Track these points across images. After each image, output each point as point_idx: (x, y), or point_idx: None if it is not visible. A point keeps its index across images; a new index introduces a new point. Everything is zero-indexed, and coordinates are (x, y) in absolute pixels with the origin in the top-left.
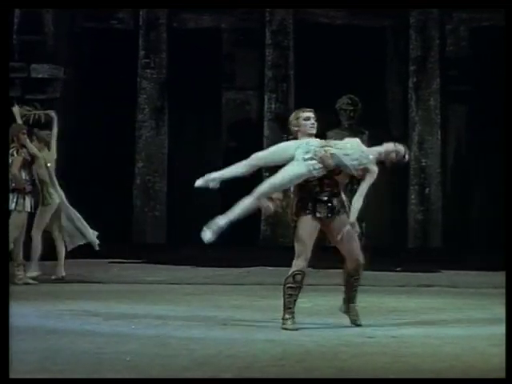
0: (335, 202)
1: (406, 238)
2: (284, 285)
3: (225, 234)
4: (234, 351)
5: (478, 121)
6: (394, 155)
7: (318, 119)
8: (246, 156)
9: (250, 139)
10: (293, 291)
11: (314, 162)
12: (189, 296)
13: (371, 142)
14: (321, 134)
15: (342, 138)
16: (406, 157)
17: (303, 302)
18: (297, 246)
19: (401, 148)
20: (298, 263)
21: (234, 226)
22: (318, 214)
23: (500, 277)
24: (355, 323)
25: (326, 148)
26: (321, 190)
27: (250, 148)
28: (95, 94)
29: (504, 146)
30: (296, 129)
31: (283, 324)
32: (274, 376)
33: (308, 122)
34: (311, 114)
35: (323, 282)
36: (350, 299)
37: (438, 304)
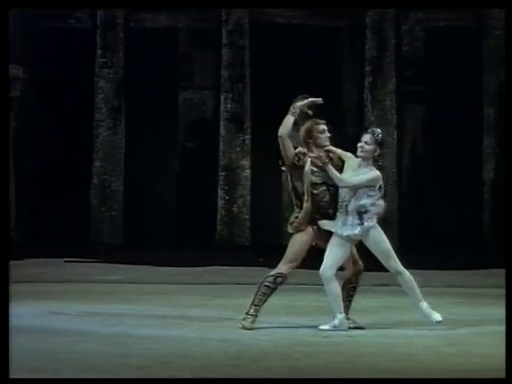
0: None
1: None
2: (262, 282)
3: (181, 234)
4: (190, 350)
5: (433, 121)
6: None
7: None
8: (202, 155)
9: (206, 139)
10: (268, 291)
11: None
12: (145, 295)
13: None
14: (276, 134)
15: (297, 138)
16: None
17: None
18: (291, 252)
19: None
20: (285, 268)
21: (190, 225)
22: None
23: (454, 276)
24: (356, 326)
25: None
26: (329, 205)
27: (206, 148)
28: (54, 93)
29: (504, 146)
30: (310, 141)
31: (243, 320)
32: (229, 376)
33: (323, 136)
34: (325, 127)
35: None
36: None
37: (394, 303)
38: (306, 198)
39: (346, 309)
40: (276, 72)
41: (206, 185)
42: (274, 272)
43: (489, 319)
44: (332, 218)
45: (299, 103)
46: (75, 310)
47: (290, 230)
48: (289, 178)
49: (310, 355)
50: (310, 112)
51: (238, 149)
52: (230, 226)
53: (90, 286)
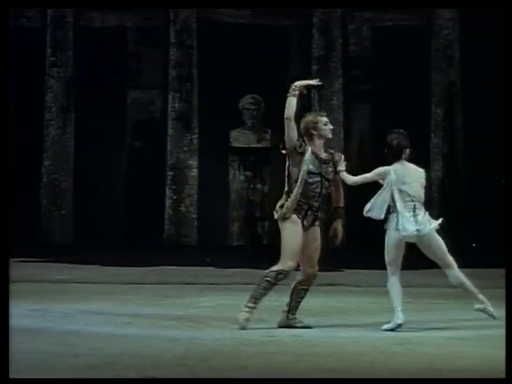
0: (319, 213)
1: None
2: (264, 276)
3: (130, 233)
4: (139, 350)
5: (380, 120)
6: None
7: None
8: (150, 155)
9: (154, 138)
10: (268, 286)
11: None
12: (95, 295)
13: (274, 142)
14: (224, 133)
15: (245, 138)
16: None
17: (204, 302)
18: (288, 247)
19: None
20: (289, 264)
21: (138, 225)
22: (305, 223)
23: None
24: (304, 325)
25: None
26: (318, 197)
27: (153, 147)
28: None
29: (504, 146)
30: (315, 132)
31: (241, 312)
32: (178, 375)
33: (327, 127)
34: (327, 119)
35: (226, 281)
36: (290, 309)
37: (341, 303)
38: (298, 184)
39: (294, 310)
40: (224, 71)
41: (153, 184)
42: (276, 268)
43: (437, 319)
44: (316, 210)
45: (298, 83)
46: (25, 310)
47: (276, 216)
48: (287, 164)
49: (256, 354)
50: (305, 92)
51: (185, 148)
52: (177, 226)
53: (40, 285)
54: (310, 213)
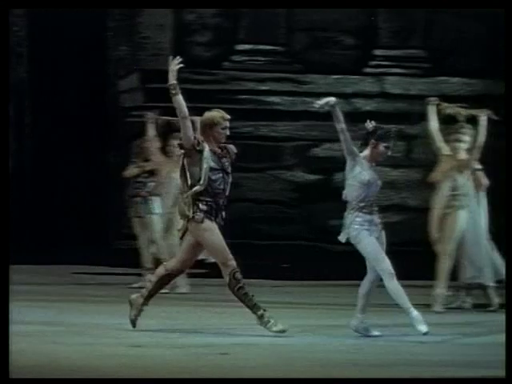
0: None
1: None
2: (233, 291)
3: None
4: None
5: None
6: None
7: None
8: None
9: None
10: (245, 289)
11: None
12: None
13: None
14: None
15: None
16: None
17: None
18: (218, 252)
19: None
20: (230, 263)
21: None
22: (219, 221)
23: None
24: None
25: None
26: (223, 193)
27: None
28: None
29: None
30: (210, 132)
31: (268, 324)
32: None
33: (223, 132)
34: (228, 124)
35: None
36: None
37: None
38: (201, 182)
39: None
40: None
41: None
42: (228, 273)
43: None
44: (224, 207)
45: (173, 74)
46: None
47: (179, 214)
48: (183, 163)
49: None
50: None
51: None
52: None
53: None
54: (219, 211)
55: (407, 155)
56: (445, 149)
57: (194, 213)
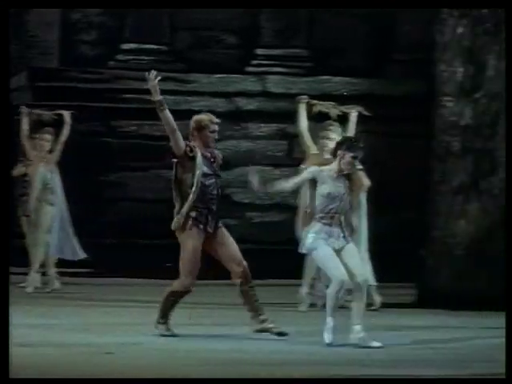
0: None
1: None
2: (167, 297)
3: None
4: None
5: None
6: None
7: None
8: None
9: None
10: (174, 303)
11: None
12: None
13: None
14: None
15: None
16: None
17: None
18: (186, 263)
19: None
20: (187, 283)
21: None
22: (209, 229)
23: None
24: (277, 332)
25: None
26: (216, 198)
27: None
28: None
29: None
30: (197, 136)
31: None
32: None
33: (212, 135)
34: (217, 128)
35: None
36: (256, 311)
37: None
38: (194, 189)
39: (259, 311)
40: None
41: None
42: (177, 289)
43: None
44: (216, 213)
45: (155, 90)
46: None
47: (172, 226)
48: (174, 171)
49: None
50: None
51: None
52: None
53: None
54: (210, 217)
55: (288, 154)
56: (313, 148)
57: (184, 219)
